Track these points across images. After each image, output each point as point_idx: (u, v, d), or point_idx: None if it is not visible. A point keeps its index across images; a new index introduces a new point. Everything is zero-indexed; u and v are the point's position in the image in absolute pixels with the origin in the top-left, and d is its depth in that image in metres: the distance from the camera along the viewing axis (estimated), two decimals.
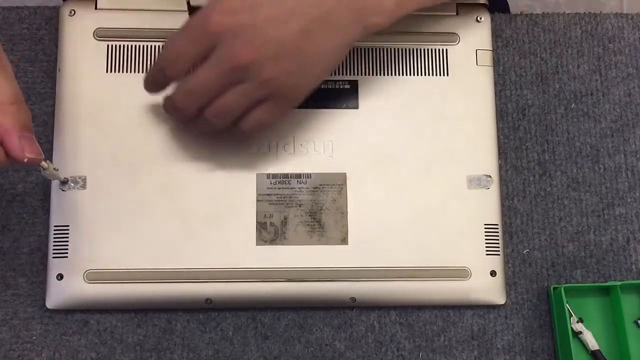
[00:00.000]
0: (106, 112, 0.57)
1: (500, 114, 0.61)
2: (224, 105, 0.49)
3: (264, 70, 0.47)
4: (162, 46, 0.51)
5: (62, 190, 0.55)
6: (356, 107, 0.58)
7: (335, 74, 0.58)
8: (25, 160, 0.46)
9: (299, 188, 0.57)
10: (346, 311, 0.57)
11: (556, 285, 0.57)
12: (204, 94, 0.49)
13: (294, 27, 0.47)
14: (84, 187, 0.56)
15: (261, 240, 0.56)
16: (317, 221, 0.56)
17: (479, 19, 0.60)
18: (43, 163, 0.50)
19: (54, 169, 0.52)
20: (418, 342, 0.57)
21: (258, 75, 0.47)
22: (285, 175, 0.57)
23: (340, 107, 0.58)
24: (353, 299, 0.56)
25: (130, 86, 0.57)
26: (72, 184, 0.56)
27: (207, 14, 0.47)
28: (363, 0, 0.49)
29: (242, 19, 0.47)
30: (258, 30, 0.47)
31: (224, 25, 0.47)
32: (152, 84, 0.53)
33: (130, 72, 0.58)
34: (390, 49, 0.59)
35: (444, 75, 0.59)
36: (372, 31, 0.50)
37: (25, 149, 0.46)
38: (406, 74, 0.59)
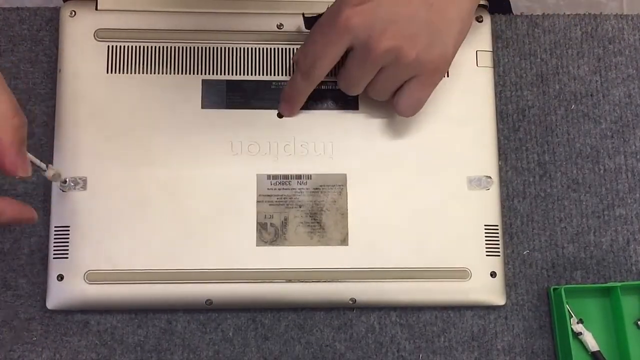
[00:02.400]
0: (106, 113, 0.57)
1: (501, 115, 0.61)
2: (377, 90, 0.53)
3: (404, 52, 0.49)
4: (295, 57, 0.54)
5: (63, 191, 0.55)
6: (356, 108, 0.58)
7: (335, 75, 0.58)
8: (17, 177, 0.46)
9: (299, 189, 0.57)
10: (346, 312, 0.57)
11: (556, 286, 0.57)
12: (360, 85, 0.53)
13: (417, 4, 0.49)
14: (84, 188, 0.56)
15: (261, 241, 0.56)
16: (318, 222, 0.56)
17: (479, 19, 0.60)
18: (42, 164, 0.50)
19: (53, 173, 0.52)
20: (418, 342, 0.57)
21: (401, 58, 0.49)
22: (286, 176, 0.57)
23: (341, 108, 0.58)
24: (353, 300, 0.56)
25: (131, 87, 0.57)
26: (72, 185, 0.56)
27: (337, 12, 0.49)
28: None
29: (370, 8, 0.48)
30: (388, 15, 0.48)
31: (357, 19, 0.48)
32: (298, 96, 0.55)
33: (131, 73, 0.58)
34: None
35: (444, 76, 0.59)
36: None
37: (19, 168, 0.46)
38: None
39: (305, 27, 0.56)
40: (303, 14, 0.56)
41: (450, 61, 0.52)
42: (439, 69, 0.52)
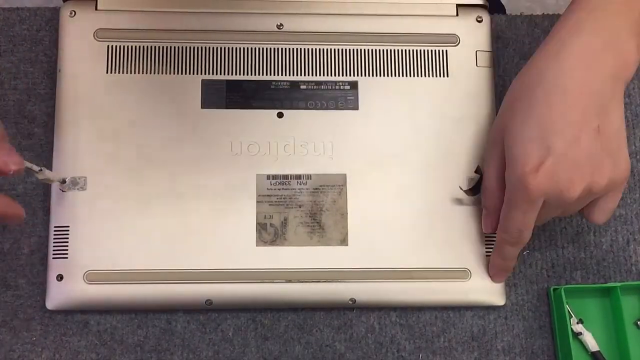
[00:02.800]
0: (106, 112, 0.57)
1: None
2: (567, 213, 0.53)
3: (597, 186, 0.49)
4: (498, 233, 0.54)
5: (62, 191, 0.55)
6: (356, 108, 0.58)
7: (335, 75, 0.58)
8: (11, 173, 0.45)
9: (299, 189, 0.57)
10: (346, 312, 0.57)
11: (556, 287, 0.57)
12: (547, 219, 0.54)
13: (586, 139, 0.49)
14: (84, 187, 0.56)
15: (261, 241, 0.56)
16: (317, 222, 0.56)
17: (478, 20, 0.60)
18: (34, 167, 0.50)
19: (38, 171, 0.52)
20: (418, 343, 0.57)
21: (595, 192, 0.49)
22: (285, 176, 0.57)
23: (341, 108, 0.58)
24: (353, 300, 0.56)
25: (131, 87, 0.57)
26: (72, 185, 0.56)
27: (522, 183, 0.49)
28: (615, 65, 0.50)
29: (551, 166, 0.48)
30: (568, 164, 0.48)
31: (544, 183, 0.48)
32: (510, 261, 0.55)
33: (131, 73, 0.58)
34: (391, 50, 0.59)
35: (444, 76, 0.59)
36: (629, 80, 0.51)
37: (9, 162, 0.45)
38: (406, 75, 0.59)
39: (469, 195, 0.57)
40: (460, 188, 0.57)
41: (627, 172, 0.51)
42: (627, 177, 0.51)
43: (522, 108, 0.50)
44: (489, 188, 0.54)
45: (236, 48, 0.58)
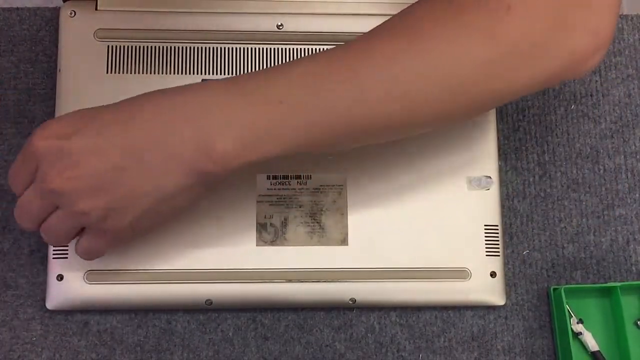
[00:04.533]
0: None
1: (500, 115, 0.61)
2: (48, 226, 0.47)
3: (77, 202, 0.45)
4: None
5: None
6: None
7: None
8: None
9: (299, 189, 0.57)
10: (346, 312, 0.57)
11: (556, 286, 0.57)
12: (32, 212, 0.47)
13: (111, 161, 0.44)
14: None
15: (261, 241, 0.56)
16: (317, 222, 0.56)
17: None
18: None
19: None
20: (418, 343, 0.57)
21: (71, 205, 0.45)
22: (285, 176, 0.57)
23: None
24: (353, 300, 0.56)
25: (131, 87, 0.57)
26: None
27: (32, 135, 0.45)
28: (191, 147, 0.44)
29: (60, 145, 0.44)
30: (75, 160, 0.44)
31: (42, 148, 0.44)
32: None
33: (131, 73, 0.58)
34: None
35: None
36: (208, 179, 0.45)
37: None
38: None
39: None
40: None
41: (127, 231, 0.47)
42: (111, 232, 0.47)
43: None
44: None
45: (236, 48, 0.58)
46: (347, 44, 0.46)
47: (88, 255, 0.49)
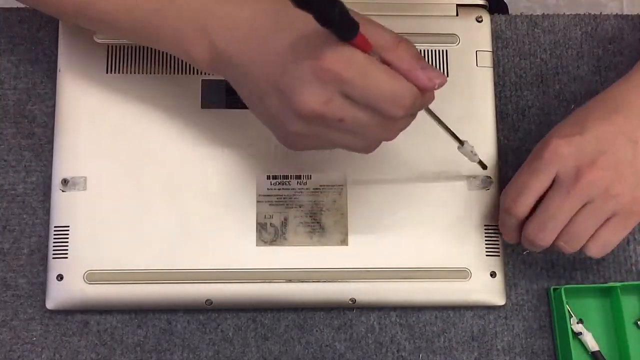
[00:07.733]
0: (106, 112, 0.57)
1: (500, 115, 0.61)
2: (577, 230, 0.50)
3: (613, 184, 0.48)
4: (503, 193, 0.54)
5: (62, 191, 0.55)
6: None
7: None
8: (436, 87, 0.44)
9: (299, 189, 0.57)
10: (346, 312, 0.57)
11: (556, 286, 0.57)
12: (559, 222, 0.50)
13: (623, 140, 0.48)
14: (84, 187, 0.56)
15: (261, 241, 0.56)
16: (317, 222, 0.56)
17: (478, 19, 0.60)
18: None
19: (470, 149, 0.53)
20: (418, 343, 0.57)
21: (610, 189, 0.48)
22: (285, 176, 0.57)
23: None
24: (353, 300, 0.56)
25: (131, 87, 0.57)
26: (72, 185, 0.56)
27: (545, 143, 0.49)
28: None
29: (579, 139, 0.48)
30: (597, 146, 0.48)
31: (566, 147, 0.48)
32: (509, 231, 0.54)
33: (130, 73, 0.58)
34: None
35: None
36: None
37: (435, 78, 0.44)
38: None
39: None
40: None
41: None
42: (637, 212, 0.50)
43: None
44: (527, 203, 0.51)
45: None
46: None
47: (607, 249, 0.51)
